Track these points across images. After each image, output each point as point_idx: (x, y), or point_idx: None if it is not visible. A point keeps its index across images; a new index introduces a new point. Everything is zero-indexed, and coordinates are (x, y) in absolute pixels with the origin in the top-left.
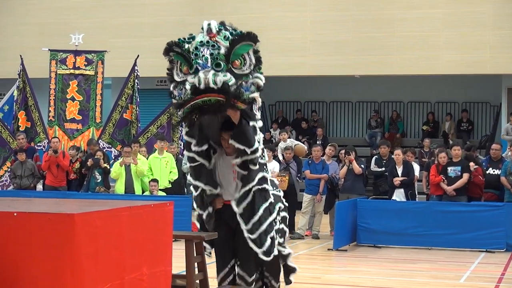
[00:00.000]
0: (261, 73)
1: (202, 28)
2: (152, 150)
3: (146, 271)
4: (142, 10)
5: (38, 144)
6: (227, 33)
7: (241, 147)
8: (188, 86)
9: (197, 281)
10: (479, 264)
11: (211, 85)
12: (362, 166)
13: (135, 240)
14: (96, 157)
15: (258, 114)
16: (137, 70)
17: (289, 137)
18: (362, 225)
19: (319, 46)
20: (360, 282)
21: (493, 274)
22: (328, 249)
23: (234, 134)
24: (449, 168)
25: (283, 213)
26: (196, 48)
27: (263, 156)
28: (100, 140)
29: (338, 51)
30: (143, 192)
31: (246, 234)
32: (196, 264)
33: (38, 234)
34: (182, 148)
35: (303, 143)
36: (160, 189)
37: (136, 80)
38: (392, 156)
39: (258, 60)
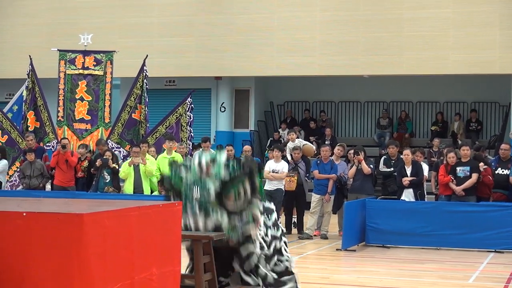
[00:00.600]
0: (258, 199)
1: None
2: (161, 150)
3: (155, 271)
4: (150, 10)
5: (47, 144)
6: (221, 167)
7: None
8: (182, 225)
9: (206, 281)
10: (487, 264)
11: (201, 230)
12: (371, 166)
13: (144, 240)
14: (105, 157)
15: (258, 233)
16: (145, 70)
17: (297, 137)
18: (370, 225)
19: (328, 46)
20: (369, 282)
21: (502, 274)
22: (337, 249)
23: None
24: (458, 168)
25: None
26: (185, 189)
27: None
28: (109, 140)
29: (346, 51)
30: (151, 192)
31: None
32: (204, 264)
33: (47, 234)
34: (191, 148)
35: (311, 143)
36: None
37: (145, 80)
38: (401, 156)
39: (255, 189)
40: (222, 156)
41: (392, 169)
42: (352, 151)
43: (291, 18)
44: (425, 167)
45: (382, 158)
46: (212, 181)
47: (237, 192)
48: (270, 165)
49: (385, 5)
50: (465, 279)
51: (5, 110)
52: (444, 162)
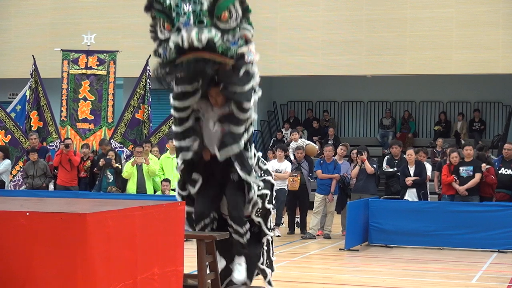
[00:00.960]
0: (250, 24)
1: None
2: (164, 150)
3: (157, 270)
4: None
5: (50, 144)
6: None
7: (232, 89)
8: (172, 45)
9: (208, 281)
10: (491, 264)
11: (196, 43)
12: (374, 166)
13: (147, 240)
14: (108, 157)
15: (252, 66)
16: (149, 70)
17: (300, 137)
18: (374, 225)
19: (331, 46)
20: (372, 282)
21: (505, 274)
22: (340, 249)
23: (223, 79)
24: (461, 168)
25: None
26: (177, 5)
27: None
28: (112, 140)
29: (349, 51)
30: (155, 192)
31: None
32: (207, 263)
33: (50, 233)
34: None
35: (314, 143)
36: (172, 189)
37: (148, 80)
38: (404, 156)
39: (245, 11)
40: None
41: (395, 169)
42: (355, 151)
43: (294, 18)
44: (428, 167)
45: (385, 158)
46: None
47: (228, 11)
48: (273, 165)
49: (388, 5)
50: (468, 279)
51: (8, 109)
52: (447, 162)
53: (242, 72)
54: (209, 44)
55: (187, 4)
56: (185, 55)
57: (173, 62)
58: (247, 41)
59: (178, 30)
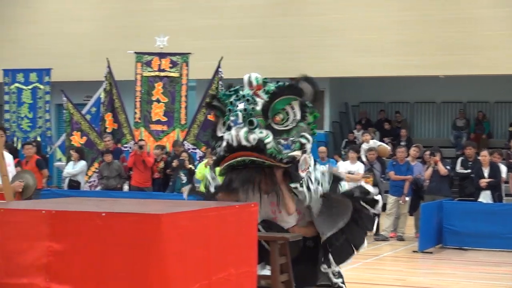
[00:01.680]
0: (313, 129)
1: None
2: None
3: (233, 271)
4: (225, 12)
5: (125, 146)
6: (271, 87)
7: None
8: (224, 143)
9: (282, 282)
10: None
11: (244, 142)
12: (448, 167)
13: (222, 241)
14: (181, 158)
15: (304, 173)
16: (221, 72)
17: (372, 138)
18: (448, 227)
19: (403, 46)
20: (446, 285)
21: None
22: (413, 251)
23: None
24: None
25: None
26: (231, 103)
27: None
28: (185, 141)
29: (421, 51)
30: None
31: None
32: (280, 265)
33: (125, 234)
34: None
35: (386, 144)
36: None
37: (220, 82)
38: (478, 158)
39: (306, 115)
40: (274, 82)
41: (469, 170)
42: (428, 152)
43: (364, 19)
44: (503, 169)
45: (459, 159)
46: (261, 97)
47: (284, 112)
48: (345, 166)
49: (460, 3)
50: None
51: (83, 111)
52: None
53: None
54: (258, 145)
55: (241, 103)
56: (234, 154)
57: (222, 160)
58: (302, 147)
59: (229, 128)
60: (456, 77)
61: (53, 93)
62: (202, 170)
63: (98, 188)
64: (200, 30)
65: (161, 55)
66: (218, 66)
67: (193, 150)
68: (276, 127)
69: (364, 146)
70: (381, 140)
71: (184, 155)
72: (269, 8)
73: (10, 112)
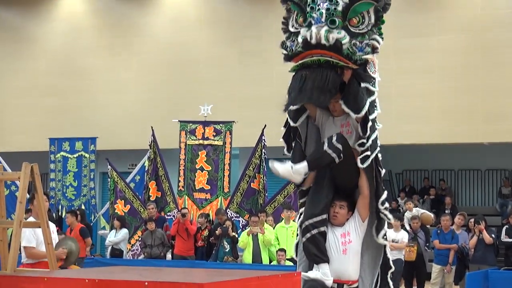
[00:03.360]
0: (381, 34)
1: None
2: (279, 219)
3: None
4: (269, 82)
5: (168, 214)
6: None
7: (347, 109)
8: (300, 39)
9: None
10: None
11: (323, 41)
12: (493, 235)
13: None
14: (224, 226)
15: (375, 75)
16: (264, 140)
17: (415, 206)
18: None
19: (447, 114)
20: None
21: None
22: None
23: (343, 95)
24: None
25: None
26: (313, 0)
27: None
28: (228, 210)
29: (466, 119)
30: (270, 261)
31: None
32: None
33: None
34: None
35: (430, 212)
36: (287, 259)
37: (263, 150)
38: None
39: (378, 21)
40: None
41: None
42: (473, 220)
43: (409, 86)
44: None
45: (504, 228)
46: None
47: (361, 16)
48: (389, 235)
49: (505, 72)
50: None
51: (128, 180)
52: None
53: (362, 87)
54: (335, 45)
55: (323, 1)
56: (311, 51)
57: (297, 55)
58: (374, 50)
59: (309, 25)
60: (501, 145)
61: (98, 162)
62: (245, 239)
63: (141, 257)
64: (243, 99)
65: (205, 124)
66: (262, 134)
67: (236, 218)
68: (352, 29)
69: (407, 214)
70: (430, 207)
71: (228, 223)
72: None
73: (55, 181)
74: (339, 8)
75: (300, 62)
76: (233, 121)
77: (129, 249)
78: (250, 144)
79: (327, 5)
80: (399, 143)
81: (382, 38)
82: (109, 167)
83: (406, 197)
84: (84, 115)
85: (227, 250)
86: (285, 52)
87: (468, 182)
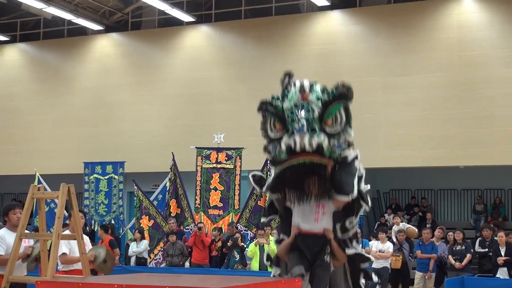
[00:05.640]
0: (351, 128)
1: (295, 84)
2: None
3: None
4: None
5: (186, 228)
6: (319, 94)
7: (339, 197)
8: (283, 146)
9: None
10: None
11: (307, 148)
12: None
13: None
14: (234, 237)
15: (357, 167)
16: (269, 164)
17: (401, 221)
18: None
19: (428, 141)
20: None
21: None
22: None
23: (332, 185)
24: None
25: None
26: (291, 111)
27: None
28: (238, 224)
29: (444, 145)
30: None
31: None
32: None
33: None
34: None
35: (413, 226)
36: None
37: (268, 172)
38: (495, 238)
39: (349, 117)
40: (317, 85)
41: (487, 249)
42: (451, 233)
43: (395, 117)
44: None
45: (478, 240)
46: (315, 104)
47: (334, 117)
48: (376, 245)
49: (480, 103)
50: None
51: (151, 198)
52: None
53: (347, 171)
54: (318, 148)
55: (300, 110)
56: (295, 157)
57: (282, 162)
58: (349, 145)
59: (292, 134)
60: (475, 167)
61: (126, 183)
62: (252, 249)
63: (163, 265)
64: (251, 128)
65: (218, 150)
66: (267, 159)
67: (245, 231)
68: (328, 130)
69: (395, 228)
70: (408, 222)
71: (237, 235)
72: None
73: (89, 199)
74: (316, 115)
75: (287, 165)
76: (243, 148)
77: (153, 258)
78: (257, 168)
79: (305, 115)
80: (386, 166)
81: (352, 131)
82: (135, 187)
83: (393, 213)
84: (114, 142)
85: (237, 259)
86: (269, 157)
87: (446, 200)
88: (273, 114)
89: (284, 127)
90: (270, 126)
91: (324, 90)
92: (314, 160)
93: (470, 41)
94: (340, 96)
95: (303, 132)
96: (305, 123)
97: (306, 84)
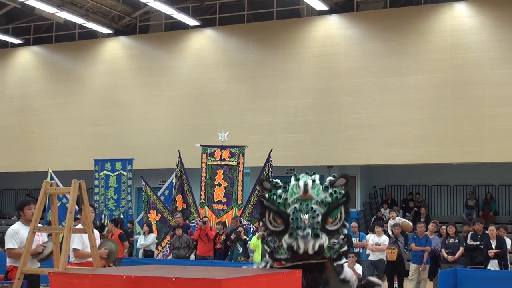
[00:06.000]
0: (347, 221)
1: (296, 179)
2: None
3: None
4: (275, 113)
5: (192, 222)
6: (321, 190)
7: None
8: (285, 245)
9: None
10: None
11: (310, 252)
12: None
13: None
14: (237, 231)
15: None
16: (271, 161)
17: (397, 216)
18: None
19: (422, 139)
20: None
21: None
22: None
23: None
24: None
25: None
26: (293, 212)
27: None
28: (241, 218)
29: (438, 143)
30: None
31: None
32: None
33: None
34: None
35: (408, 220)
36: None
37: (270, 169)
38: (486, 232)
39: (347, 213)
40: (317, 178)
41: (478, 242)
42: (444, 227)
43: (391, 117)
44: (508, 241)
45: (469, 233)
46: (318, 205)
47: (335, 217)
48: (373, 239)
49: (471, 103)
50: None
51: (158, 194)
52: None
53: (341, 277)
54: (319, 250)
55: (304, 214)
56: (298, 258)
57: (285, 260)
58: (345, 240)
59: (295, 236)
60: (467, 164)
61: (134, 179)
62: (255, 242)
63: (170, 257)
64: (254, 127)
65: (222, 148)
66: (269, 156)
67: (247, 225)
68: (328, 227)
69: (391, 222)
70: (404, 216)
71: (240, 228)
72: (312, 108)
73: (99, 194)
74: (319, 218)
75: (289, 265)
76: (245, 146)
77: (160, 250)
78: (259, 164)
79: (309, 220)
80: (382, 163)
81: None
82: (143, 183)
83: (389, 208)
84: (123, 140)
85: (240, 252)
86: (267, 249)
87: (440, 196)
88: (274, 211)
89: (284, 222)
90: (269, 219)
91: (326, 188)
92: (315, 261)
93: (462, 44)
94: (343, 197)
95: (307, 239)
96: (309, 232)
97: (309, 183)
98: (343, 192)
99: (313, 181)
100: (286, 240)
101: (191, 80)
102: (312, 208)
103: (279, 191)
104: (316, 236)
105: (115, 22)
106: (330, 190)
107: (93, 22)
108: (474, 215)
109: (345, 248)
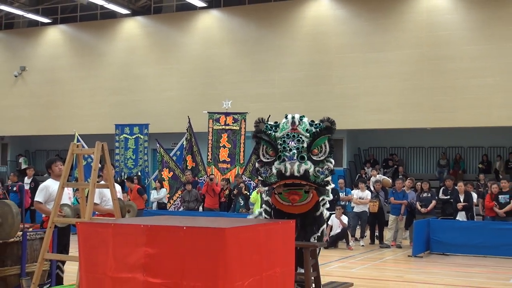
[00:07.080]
0: (332, 157)
1: (286, 117)
2: None
3: (278, 270)
4: (273, 83)
5: (200, 178)
6: (307, 126)
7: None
8: (274, 171)
9: (312, 278)
10: None
11: (296, 173)
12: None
13: (269, 248)
14: (239, 186)
15: (330, 194)
16: (260, 184)
17: (378, 173)
18: (434, 238)
19: (401, 107)
20: (433, 280)
21: None
22: (408, 256)
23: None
24: (500, 196)
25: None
26: (283, 140)
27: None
28: (243, 175)
29: (415, 110)
30: None
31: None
32: (311, 265)
33: (200, 242)
34: None
35: (388, 177)
36: None
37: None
38: (456, 187)
39: (332, 148)
40: (305, 117)
41: (448, 196)
42: (419, 183)
43: (374, 87)
44: (474, 195)
45: (441, 189)
46: (304, 135)
47: (320, 147)
48: (357, 193)
49: (445, 76)
50: (506, 279)
51: (171, 154)
52: (489, 191)
53: (318, 213)
54: (304, 174)
55: (291, 141)
56: (284, 180)
57: (272, 183)
58: (330, 172)
59: (283, 160)
60: (440, 129)
61: (150, 141)
62: (255, 196)
63: (181, 209)
64: (254, 96)
65: (226, 114)
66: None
67: (248, 181)
68: (314, 157)
69: (373, 179)
70: (384, 174)
71: (242, 184)
72: (305, 80)
73: (119, 155)
74: (305, 145)
75: (277, 185)
76: (247, 112)
77: (172, 203)
78: None
79: (295, 145)
80: (366, 128)
81: (332, 158)
82: (157, 145)
83: (371, 167)
84: (140, 108)
85: (242, 204)
86: (260, 179)
87: (416, 156)
88: (267, 142)
89: (275, 154)
90: (263, 152)
91: (312, 122)
92: (301, 184)
93: (437, 23)
94: (326, 130)
95: (293, 160)
96: (295, 152)
97: (296, 117)
98: (326, 126)
99: (301, 118)
100: (275, 165)
101: (199, 55)
102: (298, 134)
103: (272, 128)
104: (302, 158)
105: (132, 3)
106: (316, 123)
107: (112, 3)
108: (445, 173)
109: (330, 178)
